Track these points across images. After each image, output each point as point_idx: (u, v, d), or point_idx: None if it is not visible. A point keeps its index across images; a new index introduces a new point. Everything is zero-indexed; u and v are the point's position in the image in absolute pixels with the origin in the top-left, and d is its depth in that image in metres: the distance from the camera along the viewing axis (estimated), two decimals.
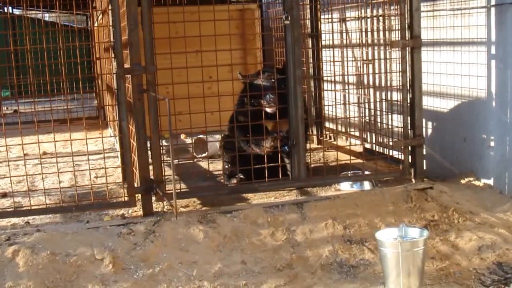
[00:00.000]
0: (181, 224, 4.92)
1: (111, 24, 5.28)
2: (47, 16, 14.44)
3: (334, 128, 7.47)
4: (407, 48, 5.53)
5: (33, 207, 5.16)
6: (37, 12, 12.48)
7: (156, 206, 5.37)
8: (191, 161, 6.59)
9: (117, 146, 6.48)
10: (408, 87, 5.57)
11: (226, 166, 6.12)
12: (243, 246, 4.80)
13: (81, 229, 4.93)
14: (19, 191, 6.05)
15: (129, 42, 5.08)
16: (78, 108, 9.05)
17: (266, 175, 5.46)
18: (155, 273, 4.48)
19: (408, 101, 5.59)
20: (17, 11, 13.02)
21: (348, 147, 6.48)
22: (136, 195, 5.21)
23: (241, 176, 5.79)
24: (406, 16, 5.50)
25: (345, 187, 5.73)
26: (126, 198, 5.20)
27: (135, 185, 5.20)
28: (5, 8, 11.32)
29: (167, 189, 5.24)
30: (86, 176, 6.44)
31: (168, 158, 5.66)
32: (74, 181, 5.90)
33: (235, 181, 5.86)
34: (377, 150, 6.38)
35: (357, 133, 6.96)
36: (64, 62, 5.39)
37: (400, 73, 5.58)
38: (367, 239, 4.89)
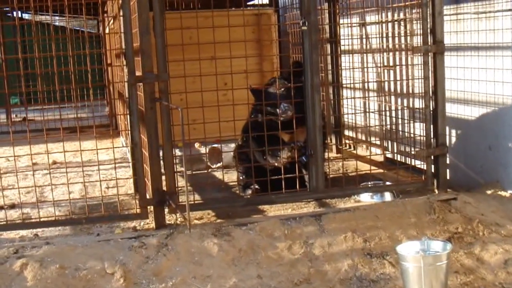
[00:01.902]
0: (195, 237, 4.76)
1: (122, 30, 5.13)
2: (57, 21, 14.41)
3: (354, 136, 7.28)
4: (429, 54, 5.33)
5: (42, 219, 5.03)
6: (47, 17, 12.42)
7: (169, 218, 5.21)
8: (206, 171, 6.42)
9: (129, 156, 6.35)
10: (431, 94, 5.37)
11: (241, 178, 5.94)
12: (259, 259, 4.63)
13: (91, 242, 4.79)
14: (28, 202, 5.92)
15: (140, 49, 4.93)
16: (89, 116, 8.99)
17: (283, 186, 5.27)
18: None
19: (431, 109, 5.38)
20: (26, 16, 12.98)
21: (368, 157, 6.27)
22: (148, 207, 5.05)
23: (257, 187, 5.61)
24: (428, 20, 5.31)
25: (365, 198, 5.53)
26: (138, 210, 5.05)
27: (147, 196, 5.05)
28: (14, 13, 11.30)
29: (180, 200, 5.08)
30: (97, 187, 6.31)
31: (182, 169, 5.51)
32: (84, 192, 5.78)
33: (250, 192, 5.69)
34: (398, 159, 6.18)
35: (377, 142, 6.74)
36: (74, 70, 5.26)
37: (422, 80, 5.37)
38: (388, 253, 4.70)
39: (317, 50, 5.25)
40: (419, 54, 5.43)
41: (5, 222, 4.99)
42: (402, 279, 4.18)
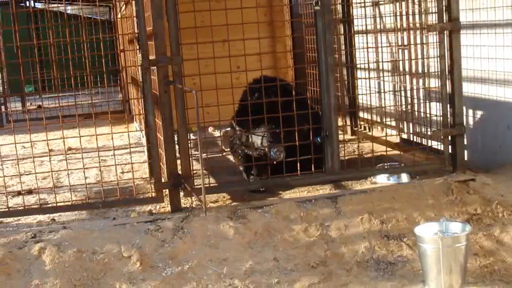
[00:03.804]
0: (211, 220, 4.75)
1: (135, 14, 5.10)
2: (69, 9, 14.38)
3: (369, 118, 7.21)
4: (445, 32, 5.25)
5: (58, 204, 5.03)
6: (59, 5, 12.39)
7: (184, 202, 5.19)
8: (220, 154, 6.40)
9: (143, 141, 6.33)
10: (447, 73, 5.29)
11: (245, 176, 5.86)
12: (275, 242, 4.61)
13: (107, 226, 4.79)
14: (45, 188, 5.93)
15: (154, 32, 4.90)
16: (103, 102, 8.97)
17: (298, 168, 5.24)
18: (184, 271, 4.33)
19: (447, 88, 5.31)
20: (39, 5, 12.94)
21: (384, 138, 6.21)
22: (164, 190, 5.03)
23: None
24: None
25: (382, 180, 5.47)
26: (154, 194, 5.04)
27: (163, 180, 5.03)
28: (27, 2, 11.27)
29: (195, 184, 5.06)
30: (112, 171, 6.32)
31: (196, 152, 5.49)
32: (100, 177, 5.78)
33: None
34: (414, 140, 6.12)
35: (393, 123, 6.67)
36: (88, 56, 5.23)
37: (438, 59, 5.29)
38: (405, 235, 4.67)
39: (330, 30, 5.19)
40: (435, 32, 5.35)
41: (22, 208, 5.00)
42: (420, 261, 4.14)
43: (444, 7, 5.25)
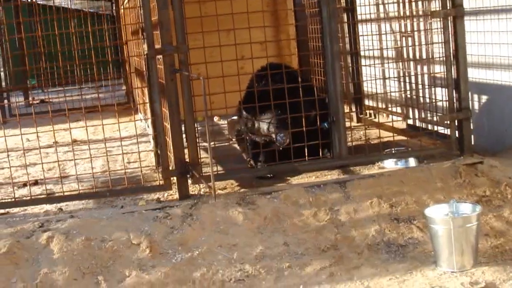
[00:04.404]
0: (219, 206, 4.73)
1: (140, 4, 5.09)
2: (72, 5, 14.31)
3: (374, 105, 7.18)
4: (449, 18, 5.24)
5: (65, 193, 5.01)
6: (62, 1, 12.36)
7: (192, 189, 5.18)
8: (226, 143, 6.39)
9: (149, 131, 6.32)
10: (452, 59, 5.28)
11: (251, 162, 5.85)
12: (285, 227, 4.60)
13: (115, 214, 4.78)
14: (51, 178, 5.92)
15: (159, 21, 4.90)
16: (106, 95, 8.97)
17: (306, 154, 5.23)
18: (194, 257, 4.31)
19: (453, 73, 5.30)
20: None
21: (390, 124, 6.19)
22: (172, 178, 5.02)
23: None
24: None
25: (389, 164, 5.47)
26: (162, 182, 5.03)
27: (170, 168, 5.01)
28: None
29: (203, 171, 5.04)
30: (118, 162, 6.30)
31: (203, 143, 5.48)
32: (105, 168, 5.76)
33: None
34: (421, 126, 6.10)
35: (399, 110, 6.65)
36: (92, 47, 5.23)
37: (443, 44, 5.28)
38: (415, 217, 4.65)
39: (335, 18, 5.19)
40: (438, 19, 5.34)
41: (29, 198, 4.99)
42: (432, 242, 4.13)
43: None
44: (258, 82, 5.48)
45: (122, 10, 9.48)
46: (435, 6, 5.49)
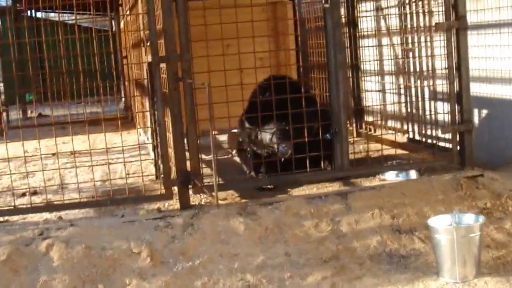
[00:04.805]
0: (220, 216, 4.71)
1: (143, 12, 5.11)
2: (67, 19, 14.33)
3: (375, 120, 7.17)
4: (452, 30, 5.27)
5: (65, 202, 4.98)
6: (63, 15, 12.40)
7: (193, 199, 5.17)
8: (226, 156, 6.39)
9: (149, 144, 6.30)
10: (455, 71, 5.30)
11: (252, 173, 5.85)
12: (286, 238, 4.58)
13: (116, 223, 4.75)
14: (51, 185, 5.88)
15: (163, 29, 4.90)
16: (105, 109, 8.93)
17: (308, 165, 5.22)
18: (194, 266, 4.28)
19: (455, 85, 5.31)
20: (39, 14, 12.84)
21: (391, 137, 6.20)
22: (173, 188, 5.00)
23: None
24: None
25: (390, 177, 5.47)
26: (163, 191, 5.00)
27: (171, 177, 5.00)
28: (29, 12, 11.18)
29: (204, 182, 5.03)
30: (117, 173, 6.28)
31: (205, 156, 5.46)
32: (105, 178, 5.74)
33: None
34: (422, 140, 6.10)
35: (400, 124, 6.65)
36: (97, 65, 5.26)
37: (446, 56, 5.31)
38: (416, 228, 4.64)
39: (339, 28, 5.21)
40: (441, 32, 5.36)
41: (29, 205, 4.95)
42: (434, 253, 4.11)
43: (451, 5, 5.27)
44: (261, 93, 5.49)
45: (122, 23, 9.51)
46: (438, 19, 5.52)
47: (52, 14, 13.95)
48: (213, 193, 4.58)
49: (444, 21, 5.30)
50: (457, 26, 5.25)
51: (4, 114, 10.31)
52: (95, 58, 5.40)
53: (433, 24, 5.49)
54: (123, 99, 11.71)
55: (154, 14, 4.96)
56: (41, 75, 10.17)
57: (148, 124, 5.74)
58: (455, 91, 5.33)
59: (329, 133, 5.29)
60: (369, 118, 7.33)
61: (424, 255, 4.39)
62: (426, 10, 5.77)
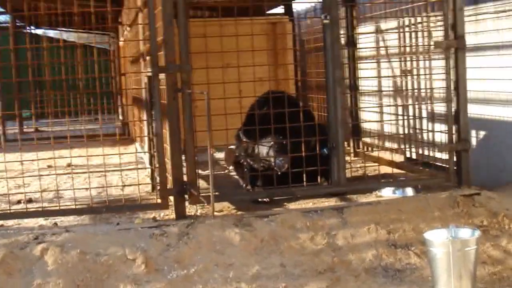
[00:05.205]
0: (216, 226, 4.69)
1: (143, 21, 5.16)
2: (65, 36, 14.42)
3: (372, 141, 7.20)
4: (451, 49, 5.32)
5: (61, 208, 4.96)
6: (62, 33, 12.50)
7: (189, 210, 5.15)
8: (223, 172, 6.39)
9: (145, 157, 6.29)
10: (453, 89, 5.34)
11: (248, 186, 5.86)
12: (282, 249, 4.56)
13: (111, 230, 4.73)
14: (48, 192, 5.87)
15: (164, 40, 4.94)
16: (103, 126, 8.97)
17: (304, 179, 5.22)
18: (189, 274, 4.26)
19: (453, 104, 5.35)
20: (39, 31, 12.91)
21: (388, 157, 6.21)
22: (169, 198, 4.98)
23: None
24: (449, 17, 5.31)
25: (387, 193, 5.47)
26: (159, 200, 4.99)
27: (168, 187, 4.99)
28: (30, 29, 11.23)
29: (201, 193, 5.02)
30: (113, 185, 6.29)
31: (201, 172, 5.47)
32: (101, 190, 5.72)
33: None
34: (419, 159, 6.12)
35: (397, 144, 6.67)
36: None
37: (445, 75, 5.35)
38: (412, 244, 4.64)
39: (338, 44, 5.26)
40: (440, 50, 5.42)
41: (25, 210, 4.94)
42: (430, 266, 4.09)
43: (450, 25, 5.32)
44: (259, 107, 5.52)
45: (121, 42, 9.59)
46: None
47: (51, 32, 14.02)
48: (210, 203, 4.56)
49: (443, 39, 5.35)
50: (455, 45, 5.31)
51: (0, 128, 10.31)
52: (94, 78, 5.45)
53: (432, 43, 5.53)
54: (121, 117, 11.72)
55: (154, 25, 5.00)
56: (39, 92, 10.20)
57: (146, 135, 5.75)
58: (453, 110, 5.35)
59: (327, 148, 5.30)
60: (367, 138, 7.34)
61: (419, 270, 4.38)
62: (425, 31, 5.82)
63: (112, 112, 9.71)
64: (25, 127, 10.97)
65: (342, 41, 7.07)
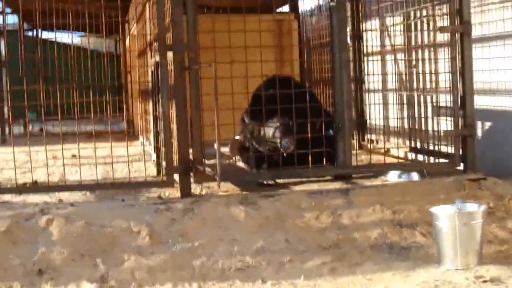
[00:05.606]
0: (221, 204, 4.70)
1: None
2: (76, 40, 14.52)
3: (377, 134, 7.18)
4: (456, 34, 5.34)
5: (67, 183, 4.97)
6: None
7: (194, 190, 5.15)
8: (228, 161, 6.39)
9: (150, 149, 6.30)
10: (458, 75, 5.35)
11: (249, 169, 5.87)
12: (286, 227, 4.55)
13: (116, 206, 4.76)
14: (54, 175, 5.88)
15: (171, 20, 4.97)
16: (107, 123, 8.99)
17: (310, 161, 5.22)
18: (194, 248, 4.26)
19: (459, 90, 5.36)
20: (45, 34, 13.00)
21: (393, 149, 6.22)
22: (175, 174, 4.98)
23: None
24: (455, 2, 5.33)
25: (393, 177, 5.46)
26: (164, 178, 4.99)
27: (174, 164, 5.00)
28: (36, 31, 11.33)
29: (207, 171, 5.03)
30: (118, 172, 6.30)
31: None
32: (106, 175, 5.73)
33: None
34: (424, 148, 6.10)
35: (402, 135, 6.66)
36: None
37: (450, 61, 5.37)
38: (418, 224, 4.61)
39: (345, 27, 5.30)
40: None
41: (31, 186, 4.94)
42: (436, 242, 4.07)
43: (455, 10, 5.35)
44: (265, 89, 5.54)
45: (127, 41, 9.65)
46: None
47: (58, 34, 14.09)
48: (216, 176, 4.55)
49: (448, 25, 5.37)
50: (461, 30, 5.32)
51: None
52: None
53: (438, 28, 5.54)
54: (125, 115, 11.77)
55: (163, 6, 5.05)
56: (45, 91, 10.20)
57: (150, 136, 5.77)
58: (459, 96, 5.36)
59: (332, 129, 5.31)
60: (372, 132, 7.33)
61: (425, 248, 4.36)
62: (431, 17, 5.84)
63: (117, 111, 9.74)
64: (30, 126, 10.96)
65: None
